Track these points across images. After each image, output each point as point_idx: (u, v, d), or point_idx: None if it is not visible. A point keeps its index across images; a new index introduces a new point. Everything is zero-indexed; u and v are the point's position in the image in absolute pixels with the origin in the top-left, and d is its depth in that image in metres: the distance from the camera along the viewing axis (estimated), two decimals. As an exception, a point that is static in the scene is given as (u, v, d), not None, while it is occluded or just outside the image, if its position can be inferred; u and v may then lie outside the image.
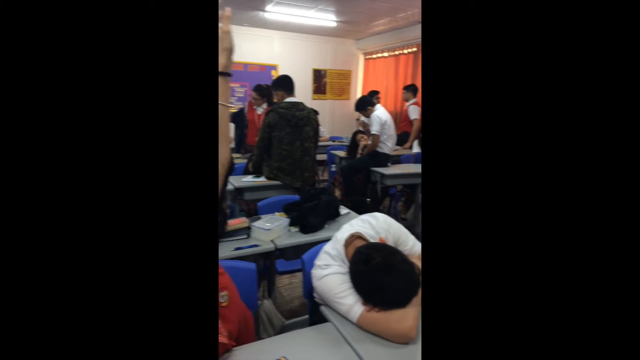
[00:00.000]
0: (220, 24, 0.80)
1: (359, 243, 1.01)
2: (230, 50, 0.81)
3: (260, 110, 3.51)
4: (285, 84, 2.44)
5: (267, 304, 1.44)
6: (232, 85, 4.96)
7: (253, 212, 2.31)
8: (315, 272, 1.03)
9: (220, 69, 0.81)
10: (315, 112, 2.48)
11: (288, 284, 2.36)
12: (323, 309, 1.00)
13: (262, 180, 2.39)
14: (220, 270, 0.84)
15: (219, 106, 0.81)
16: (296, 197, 1.92)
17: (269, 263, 1.67)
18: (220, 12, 0.80)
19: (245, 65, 5.44)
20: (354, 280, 0.93)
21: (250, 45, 5.32)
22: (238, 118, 3.67)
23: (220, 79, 0.81)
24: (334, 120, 6.20)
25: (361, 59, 6.27)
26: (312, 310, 1.22)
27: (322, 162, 4.88)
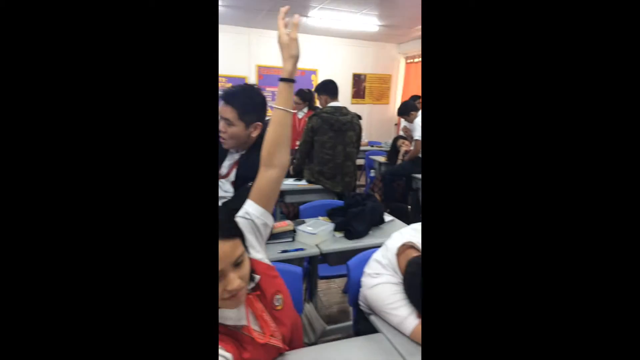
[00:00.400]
0: (287, 30, 0.81)
1: (412, 253, 0.98)
2: (296, 58, 0.81)
3: (301, 114, 3.54)
4: (330, 88, 2.45)
5: (308, 307, 1.44)
6: (274, 89, 5.07)
7: (293, 215, 2.33)
8: (366, 281, 1.01)
9: (285, 75, 0.81)
10: (359, 117, 2.46)
11: (326, 289, 2.35)
12: (373, 319, 0.98)
13: (303, 183, 2.40)
14: (274, 273, 0.85)
15: (283, 112, 0.82)
16: (338, 201, 1.91)
17: (311, 267, 1.67)
18: (288, 19, 0.81)
19: (287, 69, 5.54)
20: (409, 292, 0.90)
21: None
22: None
23: (285, 85, 0.82)
24: (372, 124, 6.13)
25: (402, 63, 6.17)
26: (357, 319, 1.20)
27: (359, 167, 4.84)
